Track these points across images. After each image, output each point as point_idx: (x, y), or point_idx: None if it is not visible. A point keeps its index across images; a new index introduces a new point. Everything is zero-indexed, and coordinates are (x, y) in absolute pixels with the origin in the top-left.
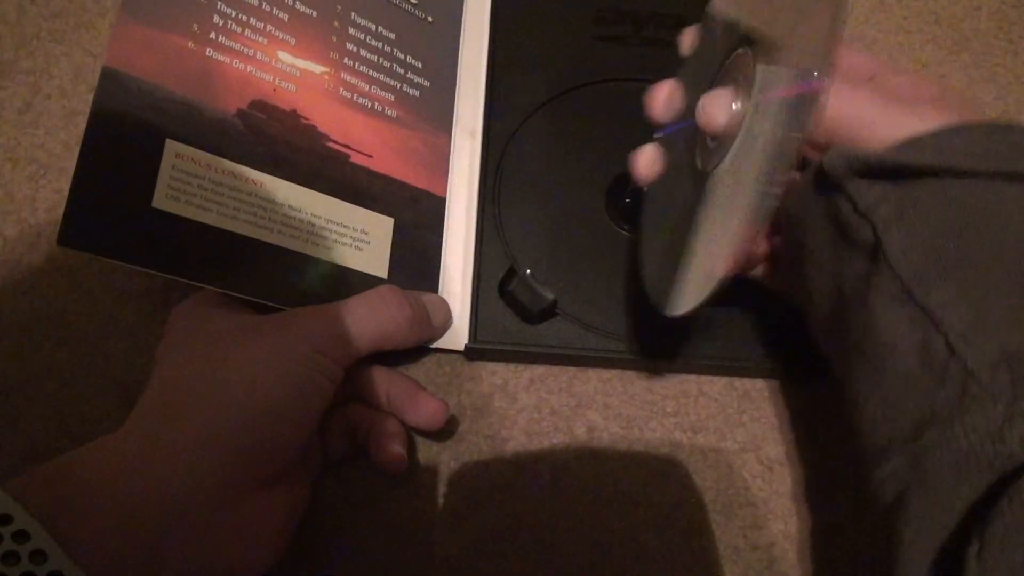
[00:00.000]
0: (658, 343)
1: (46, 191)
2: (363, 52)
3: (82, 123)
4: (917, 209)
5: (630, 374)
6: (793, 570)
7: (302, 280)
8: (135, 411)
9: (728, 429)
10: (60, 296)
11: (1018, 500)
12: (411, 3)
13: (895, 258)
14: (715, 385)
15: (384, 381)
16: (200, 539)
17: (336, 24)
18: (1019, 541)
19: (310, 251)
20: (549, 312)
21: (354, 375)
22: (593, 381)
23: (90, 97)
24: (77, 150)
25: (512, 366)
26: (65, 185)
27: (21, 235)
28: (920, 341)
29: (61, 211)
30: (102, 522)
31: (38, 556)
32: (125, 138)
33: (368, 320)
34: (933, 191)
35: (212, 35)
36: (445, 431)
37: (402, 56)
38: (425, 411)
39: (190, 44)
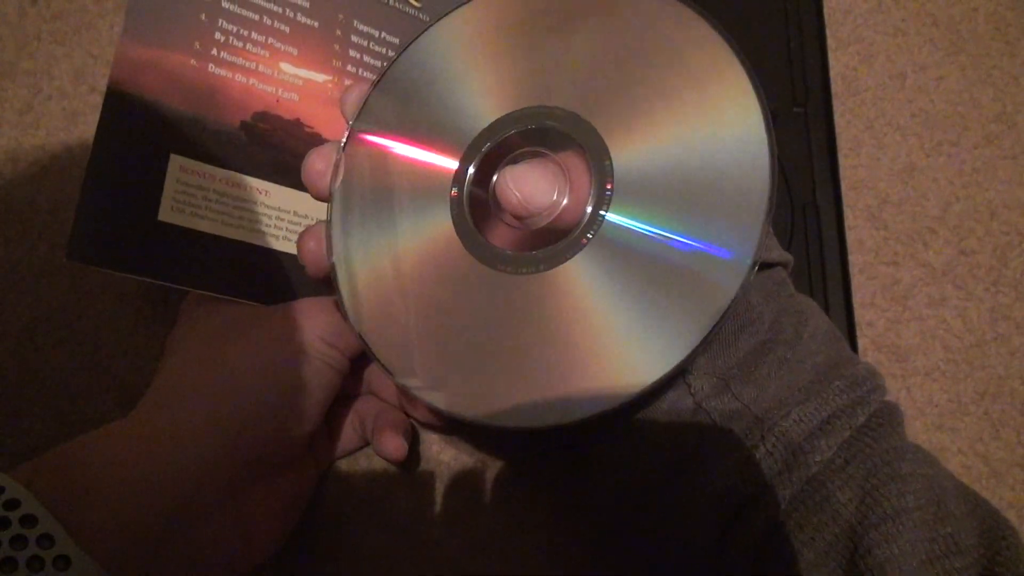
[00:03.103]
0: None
1: (47, 192)
2: (366, 58)
3: (83, 124)
4: None
5: None
6: None
7: (309, 284)
8: (144, 399)
9: None
10: (60, 296)
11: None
12: (414, 6)
13: None
14: None
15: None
16: (205, 525)
17: (338, 32)
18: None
19: None
20: None
21: (363, 368)
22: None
23: (91, 98)
24: (78, 151)
25: None
26: (66, 186)
27: (22, 236)
28: (672, 400)
29: (62, 212)
30: (109, 507)
31: (45, 540)
32: (130, 155)
33: None
34: None
35: (214, 51)
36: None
37: None
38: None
39: (192, 62)
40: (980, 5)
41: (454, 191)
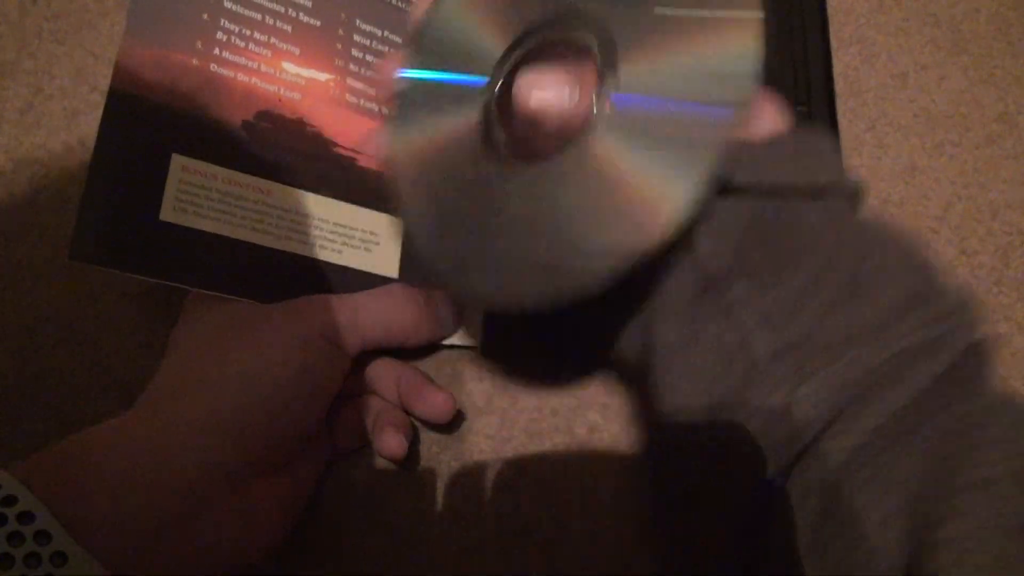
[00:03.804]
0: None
1: (48, 191)
2: (368, 57)
3: (84, 123)
4: (722, 220)
5: (631, 373)
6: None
7: (310, 283)
8: (145, 394)
9: None
10: (61, 296)
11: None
12: None
13: (703, 257)
14: None
15: (394, 373)
16: (204, 523)
17: (341, 32)
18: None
19: (318, 255)
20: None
21: (365, 367)
22: (594, 381)
23: (92, 97)
24: (79, 150)
25: (513, 366)
26: (66, 185)
27: (22, 235)
28: (715, 333)
29: (63, 212)
30: (107, 504)
31: (42, 537)
32: (132, 156)
33: (376, 313)
34: (735, 205)
35: (216, 51)
36: (452, 425)
37: None
38: (433, 403)
39: (194, 61)
40: (982, 5)
41: (493, 77)
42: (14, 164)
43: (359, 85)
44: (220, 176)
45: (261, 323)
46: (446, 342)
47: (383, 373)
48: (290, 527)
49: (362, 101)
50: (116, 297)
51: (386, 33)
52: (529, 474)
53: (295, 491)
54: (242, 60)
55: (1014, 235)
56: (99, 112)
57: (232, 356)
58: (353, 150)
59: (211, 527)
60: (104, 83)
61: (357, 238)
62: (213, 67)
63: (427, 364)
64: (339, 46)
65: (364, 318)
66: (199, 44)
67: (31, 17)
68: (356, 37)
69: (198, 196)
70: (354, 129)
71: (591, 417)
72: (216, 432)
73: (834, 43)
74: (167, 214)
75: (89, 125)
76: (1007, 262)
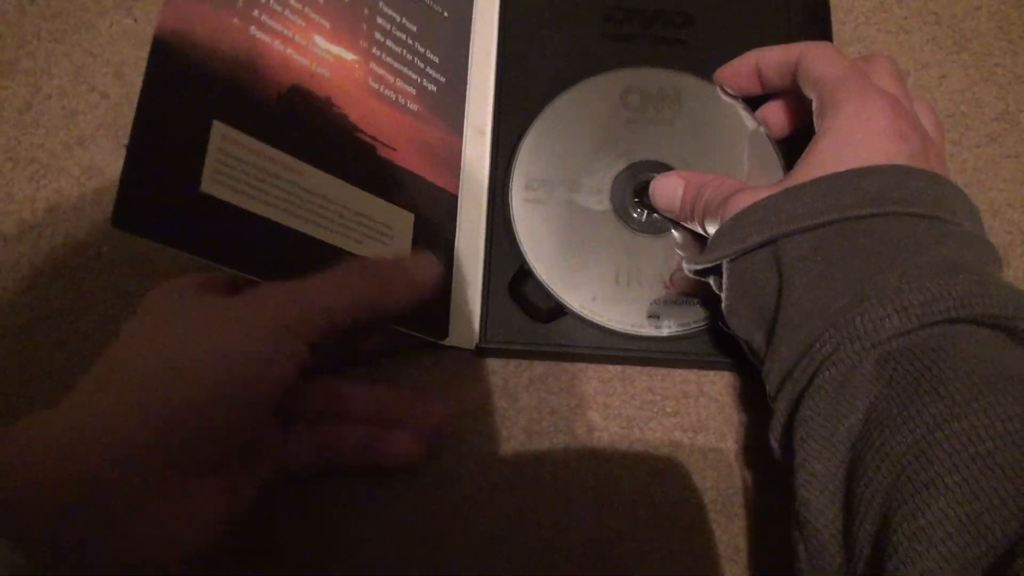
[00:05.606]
0: (669, 340)
1: (46, 191)
2: (388, 43)
3: (83, 122)
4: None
5: (630, 374)
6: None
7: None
8: (78, 386)
9: (728, 429)
10: (60, 296)
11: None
12: None
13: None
14: (715, 385)
15: (374, 397)
16: (123, 519)
17: (366, 11)
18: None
19: (340, 243)
20: (559, 311)
21: (339, 391)
22: (593, 381)
23: (91, 97)
24: (77, 150)
25: (512, 366)
26: (65, 185)
27: (21, 235)
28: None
29: (61, 211)
30: (21, 495)
31: None
32: (175, 115)
33: (339, 292)
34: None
35: (255, 13)
36: (452, 425)
37: (422, 50)
38: (427, 413)
39: (235, 20)
40: (983, 3)
41: None
42: (13, 164)
43: (380, 71)
44: (256, 150)
45: (208, 312)
46: (445, 342)
47: (360, 397)
48: (225, 535)
49: (382, 88)
50: (116, 297)
51: (404, 20)
52: (529, 474)
53: (231, 497)
54: (279, 27)
55: (1015, 233)
56: (98, 111)
57: (168, 346)
58: (373, 138)
59: (133, 525)
60: (103, 83)
61: (375, 230)
62: (252, 30)
63: (426, 364)
64: (364, 26)
65: (327, 301)
66: (240, 2)
67: (30, 17)
68: (379, 20)
69: (235, 169)
70: (375, 116)
71: (591, 417)
72: (132, 424)
73: (835, 41)
74: (207, 186)
75: (88, 124)
76: (1007, 261)
